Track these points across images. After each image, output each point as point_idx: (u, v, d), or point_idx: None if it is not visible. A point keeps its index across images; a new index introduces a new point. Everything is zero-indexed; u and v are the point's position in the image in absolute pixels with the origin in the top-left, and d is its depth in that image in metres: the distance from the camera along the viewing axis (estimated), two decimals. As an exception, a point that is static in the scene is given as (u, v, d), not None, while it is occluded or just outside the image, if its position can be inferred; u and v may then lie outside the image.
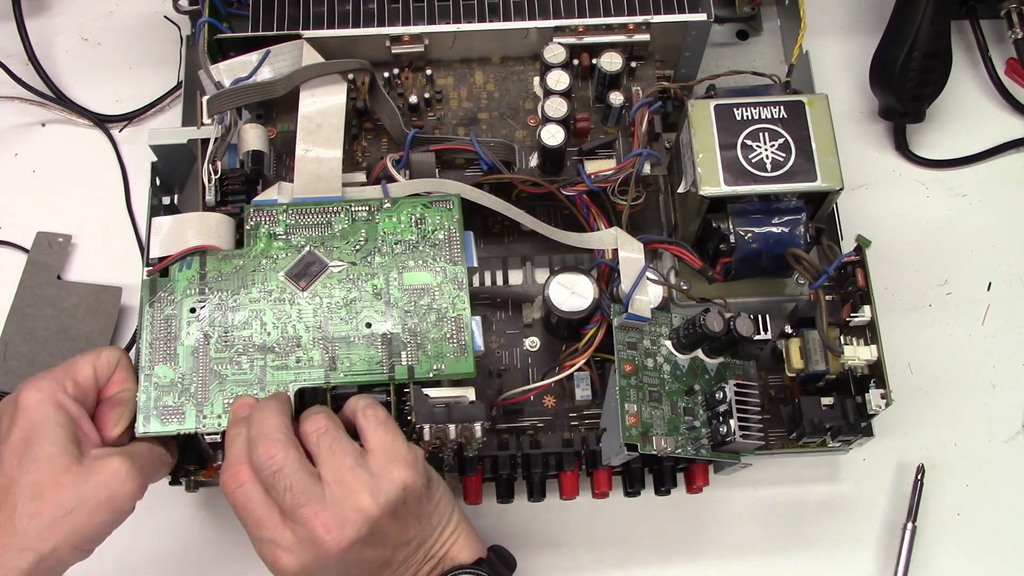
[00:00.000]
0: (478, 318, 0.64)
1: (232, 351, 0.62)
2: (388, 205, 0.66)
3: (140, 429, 0.60)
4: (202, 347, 0.62)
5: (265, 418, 0.56)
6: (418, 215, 0.66)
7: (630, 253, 0.68)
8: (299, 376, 0.61)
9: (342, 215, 0.66)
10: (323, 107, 0.71)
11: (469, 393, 0.62)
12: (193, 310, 0.63)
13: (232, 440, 0.58)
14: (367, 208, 0.66)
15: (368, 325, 0.63)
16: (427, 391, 0.62)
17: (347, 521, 0.54)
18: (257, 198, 0.68)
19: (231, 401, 0.61)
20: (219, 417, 0.60)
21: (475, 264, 0.65)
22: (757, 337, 0.66)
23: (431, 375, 0.62)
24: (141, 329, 0.63)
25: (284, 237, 0.65)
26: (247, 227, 0.65)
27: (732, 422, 0.62)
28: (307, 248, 0.65)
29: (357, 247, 0.65)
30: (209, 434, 0.61)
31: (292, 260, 0.64)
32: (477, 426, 0.61)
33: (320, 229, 0.65)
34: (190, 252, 0.64)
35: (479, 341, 0.63)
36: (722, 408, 0.64)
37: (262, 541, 0.55)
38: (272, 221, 0.65)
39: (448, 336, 0.63)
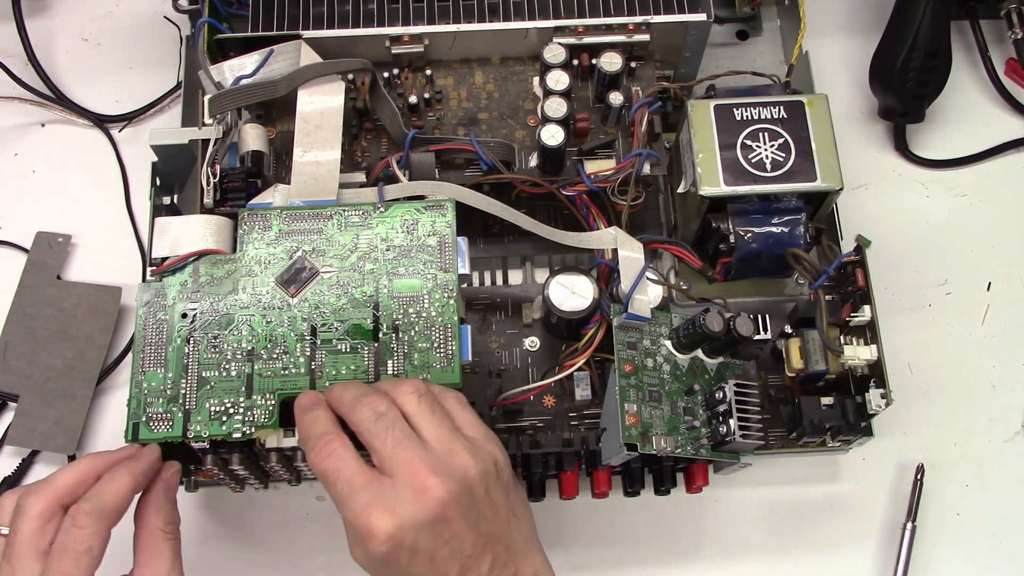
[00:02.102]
0: (468, 327, 0.63)
1: (220, 357, 0.62)
2: (381, 210, 0.66)
3: (128, 437, 0.60)
4: (192, 352, 0.62)
5: (358, 386, 0.57)
6: (411, 220, 0.65)
7: (630, 253, 0.68)
8: (285, 383, 0.61)
9: (335, 220, 0.65)
10: (321, 108, 0.71)
11: None
12: (185, 315, 0.63)
13: (311, 424, 0.56)
14: (360, 213, 0.66)
15: (356, 333, 0.63)
16: None
17: (449, 471, 0.52)
18: (252, 201, 0.67)
19: (217, 408, 0.60)
20: (206, 424, 0.60)
21: (467, 271, 0.65)
22: (757, 337, 0.66)
23: None
24: (135, 333, 0.63)
25: (276, 242, 0.65)
26: (240, 231, 0.65)
27: (732, 422, 0.62)
28: (298, 253, 0.64)
29: (349, 253, 0.64)
30: (196, 442, 0.60)
31: (283, 266, 0.64)
32: None
33: (312, 234, 0.65)
34: (195, 256, 0.64)
35: (468, 351, 0.62)
36: (722, 408, 0.64)
37: (354, 506, 0.52)
38: (265, 226, 0.65)
39: (436, 345, 0.62)
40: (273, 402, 0.61)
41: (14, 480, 0.74)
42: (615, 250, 0.69)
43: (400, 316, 0.63)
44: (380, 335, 0.62)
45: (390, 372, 0.61)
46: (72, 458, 0.74)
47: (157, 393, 0.61)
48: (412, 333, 0.62)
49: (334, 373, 0.61)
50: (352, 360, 0.62)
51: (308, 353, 0.62)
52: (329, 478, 0.53)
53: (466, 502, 0.53)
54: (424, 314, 0.63)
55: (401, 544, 0.52)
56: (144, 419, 0.60)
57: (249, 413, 0.60)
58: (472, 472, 0.53)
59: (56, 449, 0.74)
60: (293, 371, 0.61)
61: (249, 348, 0.62)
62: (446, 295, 0.63)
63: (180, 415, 0.60)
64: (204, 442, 0.61)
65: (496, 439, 0.57)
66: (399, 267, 0.64)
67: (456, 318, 0.62)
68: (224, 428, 0.60)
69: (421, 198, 0.68)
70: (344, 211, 0.66)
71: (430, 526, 0.52)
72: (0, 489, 0.73)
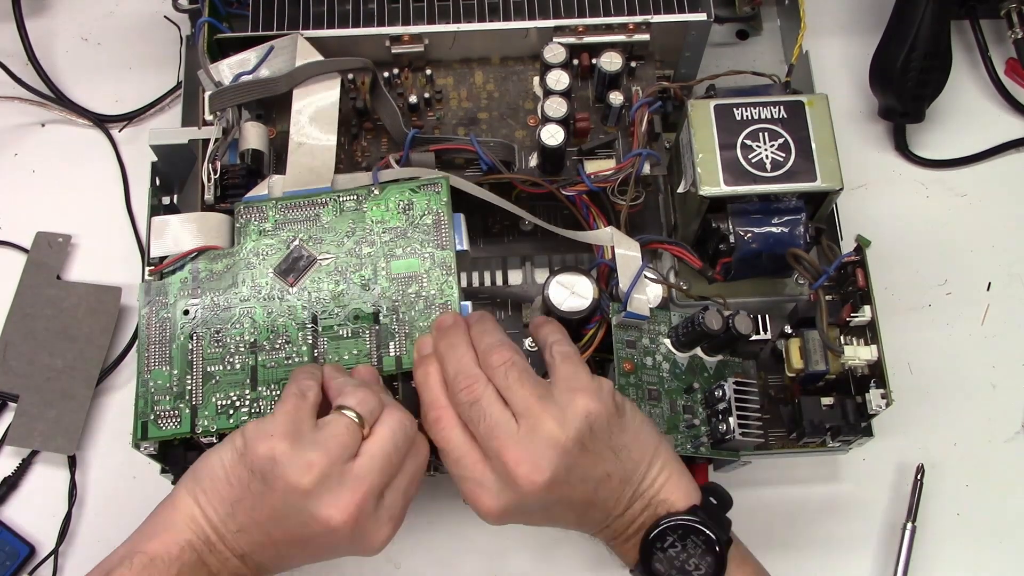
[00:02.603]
0: (468, 303, 0.63)
1: (224, 351, 0.62)
2: (376, 193, 0.66)
3: (137, 436, 0.60)
4: (195, 348, 0.62)
5: (460, 356, 0.58)
6: (406, 201, 0.66)
7: (627, 252, 0.68)
8: (289, 373, 0.61)
9: (330, 206, 0.65)
10: (317, 100, 0.71)
11: None
12: (187, 311, 0.63)
13: (423, 380, 0.58)
14: (355, 197, 0.66)
15: (356, 318, 0.63)
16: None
17: (540, 458, 0.54)
18: (248, 194, 0.68)
19: (224, 402, 0.61)
20: (214, 419, 0.61)
21: (465, 247, 0.65)
22: (756, 336, 0.66)
23: None
24: (138, 332, 0.63)
25: (273, 232, 0.65)
26: (237, 225, 0.65)
27: (731, 420, 0.62)
28: (295, 242, 0.64)
29: (345, 238, 0.65)
30: (205, 437, 0.61)
31: (281, 256, 0.64)
32: None
33: (309, 222, 0.65)
34: (193, 253, 0.64)
35: None
36: (721, 406, 0.64)
37: (464, 480, 0.56)
38: (261, 217, 0.65)
39: None
40: (278, 392, 0.61)
41: (14, 480, 0.74)
42: (615, 249, 0.69)
43: (399, 297, 0.63)
44: (380, 317, 0.62)
45: (392, 354, 0.62)
46: (72, 458, 0.74)
47: (163, 391, 0.61)
48: (413, 313, 0.63)
49: (336, 358, 0.62)
50: (354, 345, 0.62)
51: (310, 341, 0.62)
52: (442, 449, 0.57)
53: (563, 477, 0.54)
54: (424, 293, 0.63)
55: (512, 516, 0.56)
56: (152, 417, 0.61)
57: (255, 405, 0.61)
58: (562, 440, 0.54)
59: (56, 449, 0.74)
60: (296, 360, 0.62)
61: (252, 340, 0.62)
62: (445, 272, 0.63)
63: (187, 411, 0.61)
64: (213, 436, 0.61)
65: (591, 386, 0.56)
66: (396, 248, 0.64)
67: (456, 294, 0.63)
68: (231, 421, 0.61)
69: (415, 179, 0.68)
70: (339, 197, 0.66)
71: (535, 505, 0.55)
72: (0, 490, 0.73)
